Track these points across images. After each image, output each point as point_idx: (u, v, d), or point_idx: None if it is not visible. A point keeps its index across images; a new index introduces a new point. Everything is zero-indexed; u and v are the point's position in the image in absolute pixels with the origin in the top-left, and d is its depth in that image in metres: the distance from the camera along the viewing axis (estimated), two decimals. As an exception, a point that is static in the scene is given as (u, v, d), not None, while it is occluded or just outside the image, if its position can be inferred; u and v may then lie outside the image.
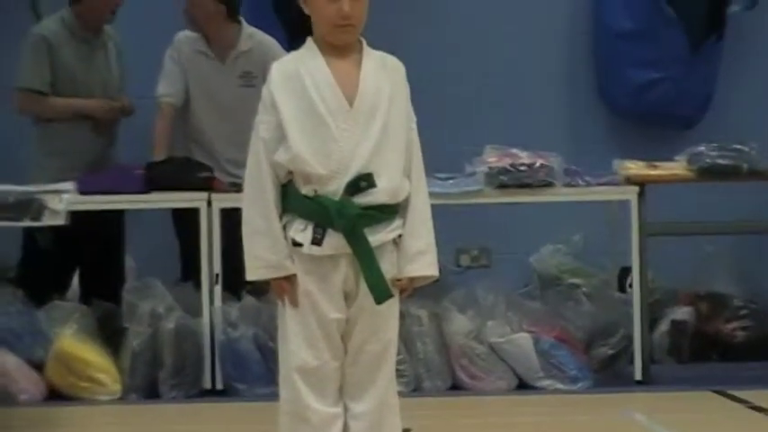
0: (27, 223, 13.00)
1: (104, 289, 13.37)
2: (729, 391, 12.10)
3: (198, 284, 12.89)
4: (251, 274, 7.33)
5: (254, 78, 12.98)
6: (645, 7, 14.74)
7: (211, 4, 13.57)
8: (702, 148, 13.14)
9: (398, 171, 7.32)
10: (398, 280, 7.34)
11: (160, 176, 13.11)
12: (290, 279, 7.31)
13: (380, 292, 7.21)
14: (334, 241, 7.21)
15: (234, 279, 12.01)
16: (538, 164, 12.94)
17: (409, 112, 7.46)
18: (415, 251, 7.35)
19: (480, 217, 13.34)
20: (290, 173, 7.30)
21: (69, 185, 12.88)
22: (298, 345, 7.33)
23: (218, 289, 12.74)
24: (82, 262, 13.62)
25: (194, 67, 13.65)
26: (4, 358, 12.57)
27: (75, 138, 13.66)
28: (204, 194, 12.81)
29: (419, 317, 12.34)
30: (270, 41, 13.45)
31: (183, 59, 13.67)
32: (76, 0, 13.50)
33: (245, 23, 13.68)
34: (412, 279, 7.36)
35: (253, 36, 13.62)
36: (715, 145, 13.14)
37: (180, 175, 13.12)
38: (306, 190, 7.22)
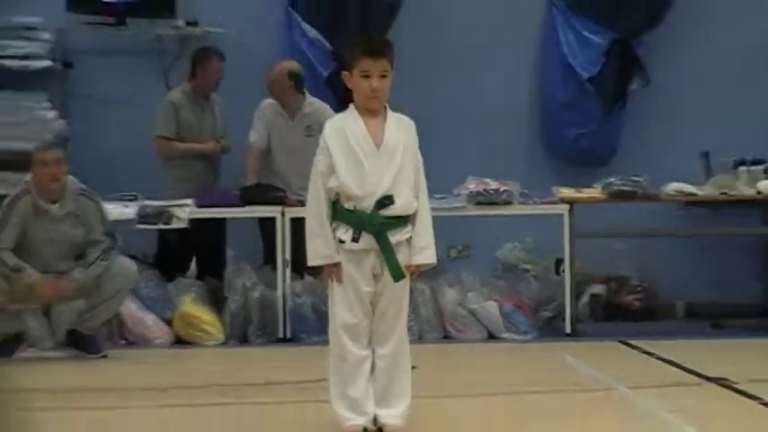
0: (161, 227, 13.19)
1: (212, 270, 13.69)
2: (629, 341, 12.33)
3: (274, 268, 13.19)
4: (311, 262, 7.84)
5: (313, 131, 12.53)
6: (574, 85, 14.72)
7: (285, 82, 13.60)
8: (612, 179, 13.52)
9: (410, 194, 7.74)
10: (408, 266, 7.74)
11: (250, 196, 13.44)
12: (337, 265, 7.68)
13: (397, 275, 7.67)
14: (367, 240, 7.68)
15: (298, 264, 12.50)
16: (502, 189, 13.26)
17: (417, 154, 7.81)
18: (420, 247, 7.78)
19: (464, 224, 13.31)
20: (338, 194, 7.70)
21: (190, 201, 13.28)
22: (342, 309, 7.75)
23: (287, 271, 13.03)
24: (198, 252, 13.90)
25: (273, 124, 13.79)
26: (145, 316, 12.91)
27: (193, 170, 13.76)
28: (279, 208, 13.14)
29: (422, 290, 12.68)
30: (324, 106, 13.54)
31: (266, 118, 13.80)
32: (192, 77, 13.62)
33: (307, 94, 13.79)
34: (418, 266, 7.83)
35: (312, 103, 13.69)
36: (620, 177, 13.46)
37: (264, 194, 13.43)
38: (348, 205, 7.70)
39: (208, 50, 13.95)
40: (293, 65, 13.86)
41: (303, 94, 13.80)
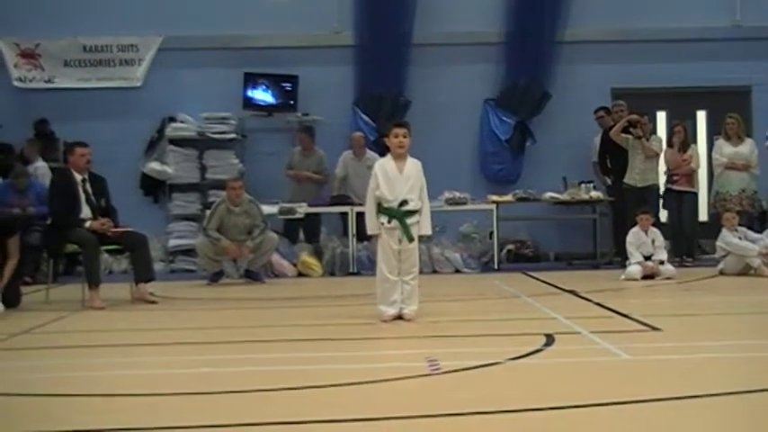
0: (289, 217, 12.93)
1: (313, 239, 13.22)
2: (526, 273, 12.08)
3: (347, 236, 12.83)
4: (369, 233, 7.81)
5: (369, 168, 12.87)
6: (497, 143, 14.29)
7: (360, 141, 13.41)
8: (517, 191, 13.33)
9: (417, 198, 7.57)
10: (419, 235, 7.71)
11: (335, 201, 13.15)
12: (380, 235, 7.59)
13: (409, 239, 7.53)
14: (395, 223, 7.55)
15: (360, 235, 12.27)
16: (462, 196, 13.01)
17: (422, 178, 7.61)
18: (424, 225, 7.67)
19: (445, 215, 12.50)
20: (380, 199, 7.58)
21: (304, 204, 13.00)
22: (383, 257, 7.61)
23: (354, 239, 12.65)
24: (305, 229, 13.30)
25: (350, 164, 13.39)
26: (283, 262, 12.64)
27: (306, 188, 13.42)
28: (350, 207, 12.76)
29: (423, 249, 11.81)
30: (374, 154, 12.73)
31: (345, 161, 13.40)
32: (301, 141, 13.48)
33: (367, 148, 13.47)
34: (421, 235, 7.76)
35: (372, 154, 12.87)
36: (522, 189, 13.32)
37: (342, 200, 13.07)
38: (385, 204, 7.56)
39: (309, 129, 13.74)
40: (361, 134, 13.68)
41: (365, 147, 13.52)
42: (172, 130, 14.02)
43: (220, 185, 12.83)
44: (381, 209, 7.64)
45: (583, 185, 13.23)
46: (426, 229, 7.77)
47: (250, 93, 14.25)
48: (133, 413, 4.56)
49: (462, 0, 14.43)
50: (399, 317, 7.55)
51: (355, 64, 14.42)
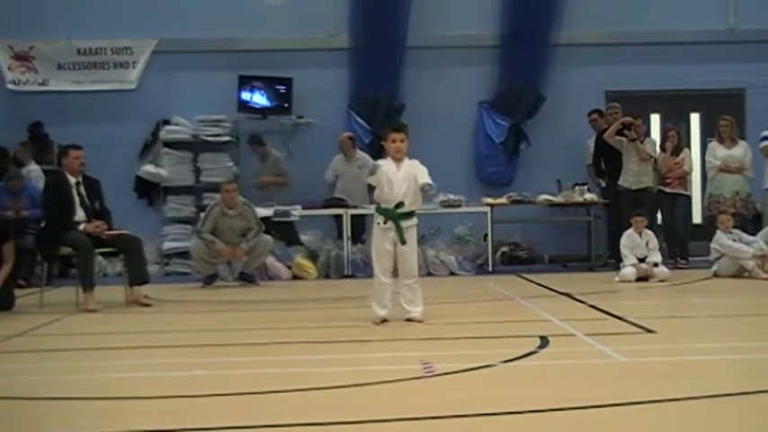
0: (284, 219, 12.90)
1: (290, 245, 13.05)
2: (521, 275, 12.10)
3: (342, 238, 12.82)
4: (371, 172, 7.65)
5: (359, 168, 12.65)
6: (492, 146, 14.35)
7: (347, 142, 13.36)
8: (512, 193, 13.28)
9: (413, 200, 7.57)
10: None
11: (328, 203, 13.15)
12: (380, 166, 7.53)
13: (402, 242, 7.49)
14: (390, 224, 7.53)
15: (354, 238, 12.47)
16: (457, 198, 13.00)
17: (419, 171, 7.52)
18: (423, 179, 7.48)
19: (439, 217, 12.76)
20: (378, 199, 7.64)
21: (299, 207, 13.02)
22: (377, 259, 7.61)
23: (349, 242, 12.66)
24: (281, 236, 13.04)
25: (340, 165, 13.39)
26: (277, 264, 12.59)
27: (271, 193, 13.39)
28: (343, 210, 12.78)
29: (419, 251, 12.15)
30: (364, 155, 13.13)
31: (336, 163, 13.42)
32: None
33: (357, 148, 13.44)
34: (425, 184, 7.50)
35: (362, 154, 13.21)
36: (516, 192, 13.29)
37: (336, 203, 13.06)
38: (384, 205, 7.55)
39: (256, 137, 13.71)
40: (349, 133, 13.67)
41: (355, 147, 13.51)
42: (166, 133, 13.99)
43: (215, 188, 12.83)
44: (379, 208, 7.64)
45: (577, 188, 13.22)
46: (424, 178, 7.51)
47: (245, 95, 14.24)
48: (128, 416, 4.56)
49: (457, 3, 14.45)
50: (408, 319, 7.57)
51: (350, 67, 14.43)
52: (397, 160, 7.62)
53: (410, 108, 14.23)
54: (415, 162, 7.67)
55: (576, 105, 14.01)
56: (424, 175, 7.55)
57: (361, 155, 13.37)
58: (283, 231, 13.12)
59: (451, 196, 13.04)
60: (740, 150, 12.62)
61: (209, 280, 11.65)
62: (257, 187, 13.55)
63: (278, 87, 14.30)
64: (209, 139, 13.98)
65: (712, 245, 11.29)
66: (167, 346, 6.79)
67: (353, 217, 12.74)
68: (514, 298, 9.45)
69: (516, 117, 14.44)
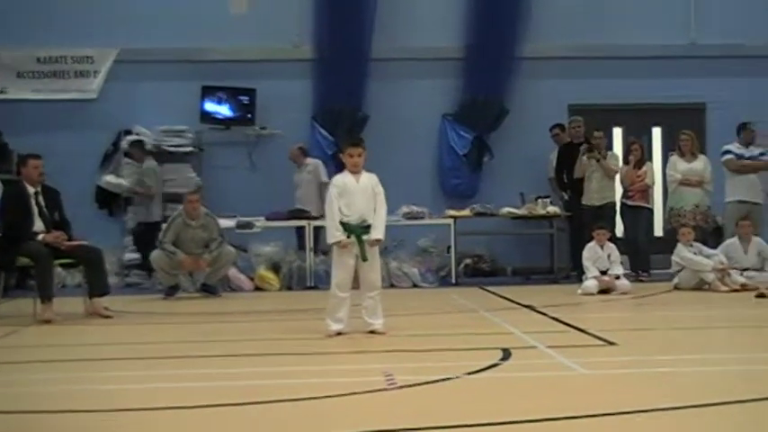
0: (248, 231, 12.89)
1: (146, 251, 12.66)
2: (484, 287, 12.18)
3: (304, 250, 12.84)
4: (329, 241, 7.60)
5: (309, 173, 13.18)
6: (455, 158, 14.40)
7: (297, 152, 13.47)
8: (475, 206, 13.39)
9: (371, 214, 7.54)
10: (371, 241, 7.54)
11: (292, 214, 13.14)
12: (342, 242, 7.48)
13: (364, 259, 7.49)
14: (352, 238, 7.51)
15: (317, 248, 12.46)
16: (420, 210, 13.06)
17: (378, 188, 7.57)
18: (376, 229, 7.51)
19: (402, 229, 12.67)
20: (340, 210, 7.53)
21: (262, 218, 13.03)
22: (337, 272, 7.61)
23: (312, 253, 12.68)
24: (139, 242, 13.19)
25: (295, 175, 13.48)
26: (240, 276, 12.62)
27: (140, 205, 13.34)
28: (306, 221, 12.80)
29: (382, 263, 12.01)
30: (314, 160, 13.43)
31: (296, 173, 13.54)
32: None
33: (309, 157, 13.56)
34: (375, 239, 7.55)
35: (312, 161, 13.43)
36: (479, 204, 13.38)
37: (299, 214, 13.04)
38: (344, 219, 7.51)
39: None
40: (299, 144, 13.66)
41: (307, 155, 13.55)
42: (128, 143, 13.89)
43: (177, 199, 12.79)
44: (342, 223, 7.57)
45: (540, 201, 13.33)
46: (378, 234, 7.58)
47: (208, 106, 14.22)
48: (86, 430, 4.50)
49: (422, 15, 14.52)
50: (371, 331, 7.57)
51: (314, 78, 14.45)
52: (355, 173, 7.63)
53: (374, 119, 14.27)
54: (375, 180, 7.67)
55: (539, 118, 14.12)
56: (378, 231, 7.55)
57: (312, 161, 13.50)
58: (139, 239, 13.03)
59: (415, 208, 13.08)
60: (700, 164, 12.74)
61: (171, 291, 11.59)
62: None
63: (241, 98, 14.30)
64: (172, 149, 13.92)
65: (673, 258, 11.42)
66: (127, 358, 6.73)
67: (317, 228, 12.70)
68: (477, 310, 9.47)
69: (480, 129, 14.52)
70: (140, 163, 13.29)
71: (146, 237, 12.81)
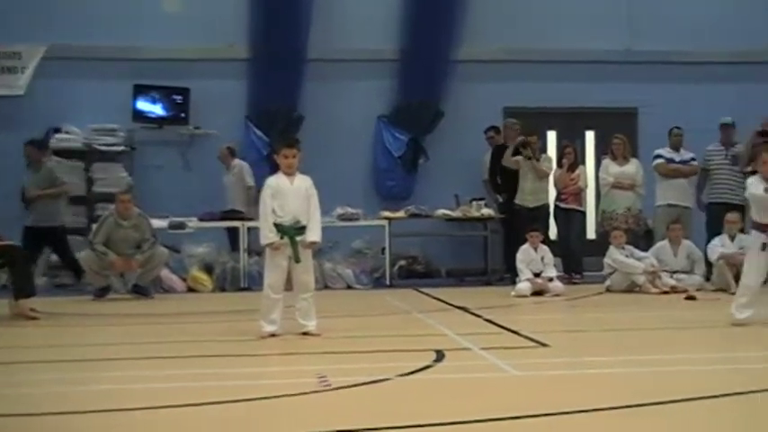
0: (180, 231, 12.77)
1: (65, 256, 12.52)
2: (418, 289, 12.23)
3: (238, 250, 12.75)
4: (263, 242, 7.55)
5: (236, 175, 13.21)
6: (390, 160, 14.44)
7: (225, 152, 13.41)
8: (410, 207, 13.43)
9: (306, 215, 7.52)
10: (305, 244, 7.53)
11: (223, 216, 13.08)
12: (275, 245, 7.44)
13: (297, 260, 7.47)
14: (285, 239, 7.47)
15: (240, 246, 12.40)
16: (355, 212, 13.06)
17: (312, 191, 7.57)
18: (312, 231, 7.53)
19: (337, 230, 12.53)
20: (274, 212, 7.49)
21: (194, 218, 12.94)
22: (269, 273, 7.56)
23: (246, 254, 12.60)
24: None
25: (226, 175, 13.45)
26: (172, 276, 12.51)
27: (46, 207, 12.20)
28: (239, 222, 12.72)
29: (316, 265, 11.99)
30: (241, 162, 13.40)
31: (224, 174, 13.51)
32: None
33: (237, 158, 13.52)
34: (311, 242, 7.56)
35: (238, 162, 13.39)
36: (414, 206, 13.43)
37: (233, 215, 12.98)
38: (278, 220, 7.48)
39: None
40: (229, 144, 13.60)
41: (234, 157, 13.50)
42: (56, 142, 13.65)
43: (108, 198, 12.64)
44: (276, 224, 7.53)
45: (474, 203, 13.43)
46: (314, 236, 7.58)
47: (140, 105, 14.08)
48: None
49: (358, 16, 14.50)
50: (304, 333, 7.56)
51: (249, 77, 14.38)
52: (289, 175, 7.61)
53: (309, 120, 14.21)
54: (309, 182, 7.66)
55: (474, 121, 14.21)
56: (314, 233, 7.55)
57: (238, 162, 13.48)
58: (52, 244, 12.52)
59: (349, 209, 13.07)
60: (632, 168, 12.93)
61: (101, 292, 11.46)
62: (27, 204, 12.46)
63: (175, 97, 14.19)
64: (103, 148, 13.76)
65: (605, 260, 11.59)
66: (55, 360, 6.60)
67: (250, 229, 12.61)
68: (411, 312, 9.50)
69: (415, 131, 14.58)
70: (38, 164, 12.47)
71: (53, 241, 12.44)
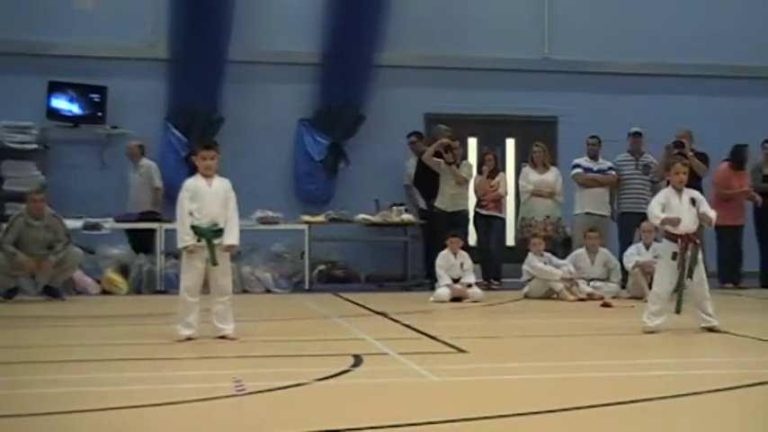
0: (95, 232, 12.64)
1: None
2: (338, 294, 12.18)
3: (153, 253, 12.67)
4: (180, 245, 7.46)
5: (141, 176, 13.17)
6: (311, 164, 14.46)
7: (135, 150, 13.35)
8: (330, 212, 13.49)
9: (224, 218, 7.46)
10: (223, 247, 7.47)
11: (141, 217, 12.92)
12: (189, 248, 7.39)
13: (213, 263, 7.42)
14: (202, 242, 7.41)
15: (167, 251, 12.22)
16: (275, 215, 12.99)
17: (231, 193, 7.51)
18: (229, 234, 7.46)
19: (256, 234, 12.42)
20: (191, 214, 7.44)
21: (110, 219, 12.80)
22: (186, 276, 7.52)
23: (162, 256, 12.50)
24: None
25: (132, 173, 13.35)
26: (85, 278, 12.37)
27: None
28: (157, 224, 12.60)
29: (233, 268, 11.97)
30: (149, 162, 13.32)
31: (130, 172, 13.43)
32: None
33: (144, 157, 13.39)
34: (229, 245, 7.49)
35: (147, 162, 13.30)
36: (334, 210, 13.47)
37: (149, 215, 12.88)
38: (195, 222, 7.42)
39: None
40: (138, 141, 13.46)
41: (143, 156, 13.40)
42: None
43: (19, 198, 12.40)
44: (193, 226, 7.47)
45: (395, 208, 13.52)
46: (232, 239, 7.53)
47: (55, 102, 13.87)
48: None
49: (279, 19, 14.49)
50: (221, 337, 7.49)
51: (168, 78, 14.27)
52: (207, 177, 7.56)
53: (229, 122, 14.16)
54: (228, 185, 7.61)
55: (395, 126, 14.33)
56: (232, 236, 7.50)
57: (146, 162, 13.39)
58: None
59: (269, 213, 13.03)
60: (551, 176, 13.11)
61: (9, 294, 11.25)
62: None
63: (92, 96, 14.02)
64: (14, 146, 13.50)
65: (524, 267, 11.73)
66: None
67: (168, 231, 12.47)
68: (330, 316, 9.49)
69: (336, 135, 14.59)
70: None
71: None
